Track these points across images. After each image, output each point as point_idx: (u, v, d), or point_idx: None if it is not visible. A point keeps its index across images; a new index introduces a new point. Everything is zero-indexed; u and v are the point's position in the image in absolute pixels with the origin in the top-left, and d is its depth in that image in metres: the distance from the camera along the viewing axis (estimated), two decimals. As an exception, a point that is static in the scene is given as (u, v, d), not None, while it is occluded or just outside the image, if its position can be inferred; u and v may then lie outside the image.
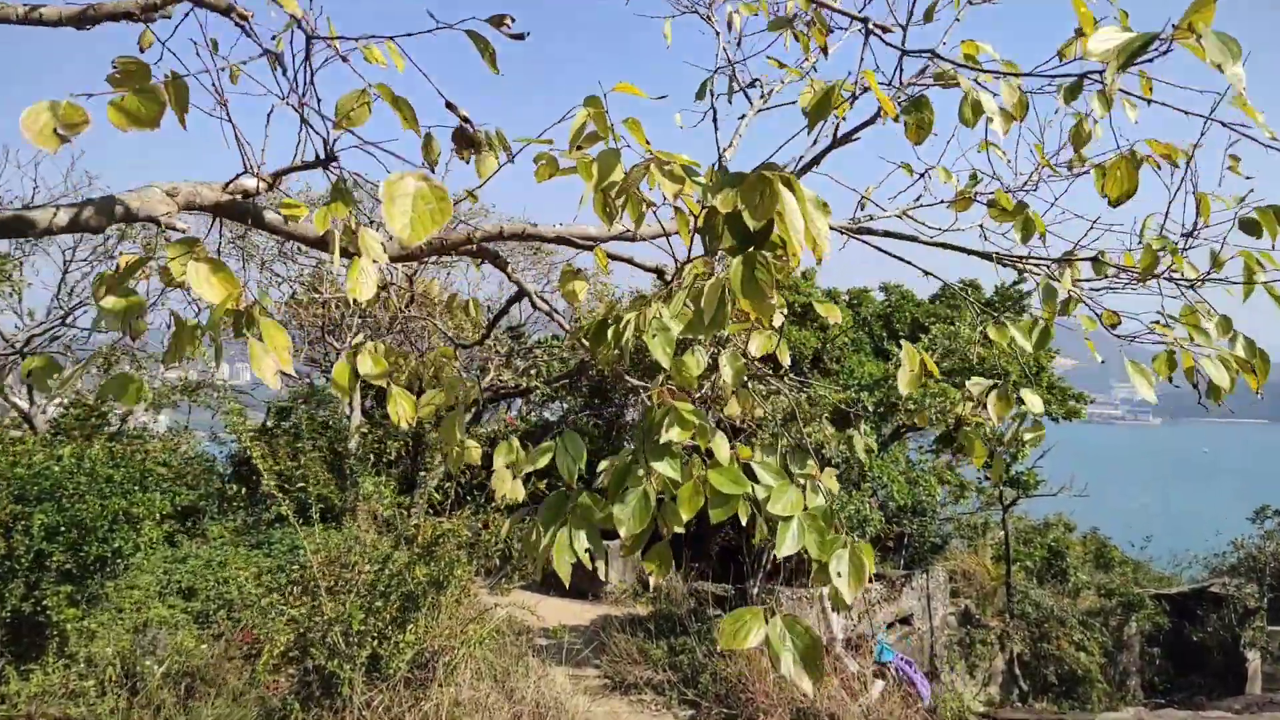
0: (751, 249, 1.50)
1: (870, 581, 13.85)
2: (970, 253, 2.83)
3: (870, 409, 12.52)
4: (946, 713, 13.45)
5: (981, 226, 2.82)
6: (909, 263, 2.70)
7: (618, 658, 11.54)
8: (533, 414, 21.97)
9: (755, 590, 12.29)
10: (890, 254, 2.82)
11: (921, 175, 2.93)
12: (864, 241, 2.85)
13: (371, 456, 15.90)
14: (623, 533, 1.83)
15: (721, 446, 2.01)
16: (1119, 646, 19.08)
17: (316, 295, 16.90)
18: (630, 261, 2.67)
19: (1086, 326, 2.64)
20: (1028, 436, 2.79)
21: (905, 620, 14.88)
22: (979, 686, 16.80)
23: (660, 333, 1.86)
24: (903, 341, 2.53)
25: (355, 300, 1.76)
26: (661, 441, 1.83)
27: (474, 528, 10.27)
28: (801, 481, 2.00)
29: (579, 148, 1.93)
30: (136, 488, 10.00)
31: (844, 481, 12.39)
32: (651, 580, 2.04)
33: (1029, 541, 20.49)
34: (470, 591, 10.20)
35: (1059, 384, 17.37)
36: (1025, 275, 2.78)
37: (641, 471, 1.81)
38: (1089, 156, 2.77)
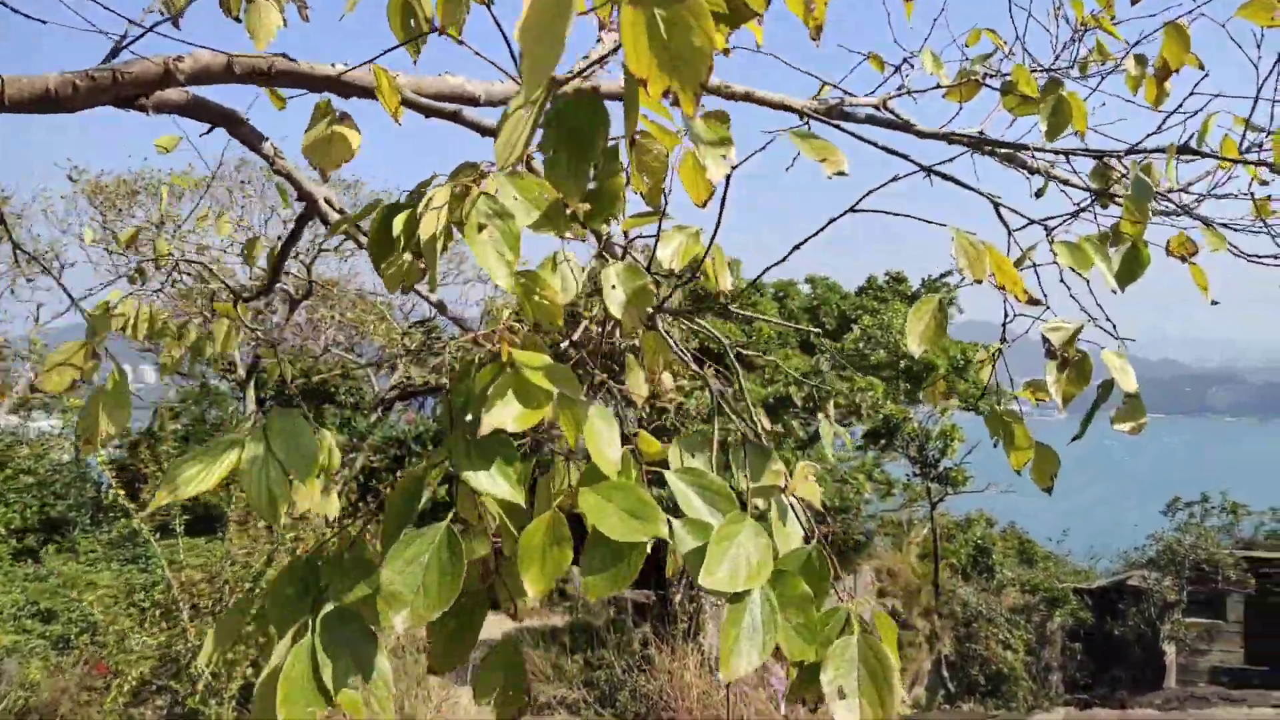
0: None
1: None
2: (991, 145, 2.07)
3: (799, 404, 11.95)
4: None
5: (980, 133, 2.10)
6: (905, 156, 1.93)
7: (529, 675, 10.73)
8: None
9: (679, 598, 11.59)
10: (875, 144, 2.06)
11: (899, 67, 2.21)
12: (838, 127, 2.08)
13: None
14: (399, 623, 0.98)
15: (606, 438, 1.09)
16: (1042, 642, 19.01)
17: (204, 285, 15.64)
18: (455, 118, 1.77)
19: (1213, 243, 1.93)
20: (1124, 427, 1.98)
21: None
22: (905, 688, 16.51)
23: (495, 219, 0.98)
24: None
25: None
26: (484, 430, 0.97)
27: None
28: (762, 505, 1.16)
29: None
30: (-24, 498, 8.85)
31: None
32: None
33: (952, 538, 20.35)
34: (365, 608, 9.26)
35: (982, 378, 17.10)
36: (1052, 181, 2.07)
37: (443, 490, 0.95)
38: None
